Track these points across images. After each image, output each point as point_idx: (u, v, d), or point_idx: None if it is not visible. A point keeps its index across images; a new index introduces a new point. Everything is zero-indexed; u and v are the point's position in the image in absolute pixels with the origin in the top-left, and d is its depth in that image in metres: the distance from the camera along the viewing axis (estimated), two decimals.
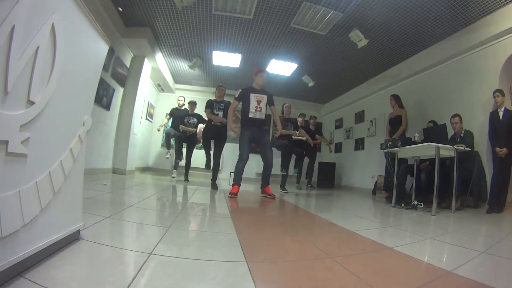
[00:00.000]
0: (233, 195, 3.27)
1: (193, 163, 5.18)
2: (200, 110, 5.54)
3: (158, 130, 5.76)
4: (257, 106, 3.50)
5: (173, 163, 5.45)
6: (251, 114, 3.49)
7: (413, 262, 1.25)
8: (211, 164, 4.36)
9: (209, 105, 4.28)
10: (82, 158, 1.10)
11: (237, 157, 3.50)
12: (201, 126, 5.26)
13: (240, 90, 3.62)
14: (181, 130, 5.08)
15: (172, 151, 5.67)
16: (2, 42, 0.63)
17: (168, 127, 5.65)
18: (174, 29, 4.84)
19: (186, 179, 4.99)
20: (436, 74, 4.71)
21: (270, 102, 3.64)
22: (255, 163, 6.20)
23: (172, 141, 5.46)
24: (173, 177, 5.27)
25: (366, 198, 4.87)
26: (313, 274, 1.04)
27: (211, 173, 4.26)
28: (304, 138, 5.09)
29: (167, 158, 5.67)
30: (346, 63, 5.65)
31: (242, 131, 3.59)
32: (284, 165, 4.67)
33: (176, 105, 5.56)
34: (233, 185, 3.42)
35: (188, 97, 6.36)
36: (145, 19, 4.59)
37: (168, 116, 5.67)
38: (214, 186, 4.08)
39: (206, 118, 4.46)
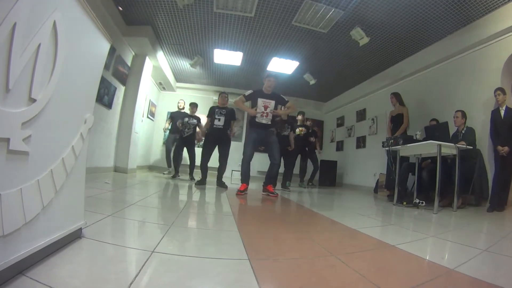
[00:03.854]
0: (240, 192, 3.35)
1: (196, 162, 5.16)
2: (200, 111, 5.56)
3: (164, 131, 5.86)
4: (263, 112, 3.51)
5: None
6: (257, 119, 3.52)
7: (415, 260, 1.25)
8: (205, 181, 4.21)
9: (211, 113, 4.32)
10: (84, 156, 1.10)
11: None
12: (203, 122, 5.26)
13: (251, 91, 3.61)
14: (179, 125, 5.07)
15: (171, 169, 5.76)
16: (4, 40, 0.62)
17: (169, 130, 5.71)
18: (175, 27, 4.83)
19: (192, 178, 4.97)
20: (437, 72, 4.69)
21: (281, 104, 3.63)
22: (256, 161, 6.19)
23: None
24: (178, 175, 5.27)
25: (367, 196, 4.87)
26: (315, 271, 1.04)
27: (217, 173, 4.30)
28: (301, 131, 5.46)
29: (164, 174, 5.69)
30: (347, 61, 5.63)
31: (249, 131, 3.63)
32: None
33: (176, 109, 5.71)
34: (241, 183, 3.49)
35: (189, 95, 6.37)
36: (146, 17, 4.58)
37: (168, 121, 5.71)
38: (223, 185, 4.11)
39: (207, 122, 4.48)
